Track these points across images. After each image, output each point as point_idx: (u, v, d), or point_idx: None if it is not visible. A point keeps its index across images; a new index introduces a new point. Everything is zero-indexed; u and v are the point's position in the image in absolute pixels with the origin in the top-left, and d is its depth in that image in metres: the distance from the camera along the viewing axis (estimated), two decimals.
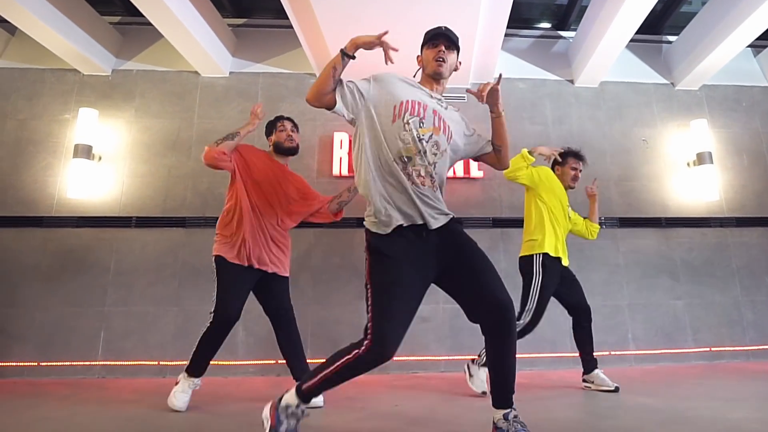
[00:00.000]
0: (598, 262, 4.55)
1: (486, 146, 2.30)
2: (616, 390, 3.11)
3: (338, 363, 1.91)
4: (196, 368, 2.91)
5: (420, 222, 1.99)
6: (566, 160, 3.61)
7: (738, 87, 5.23)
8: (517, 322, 3.19)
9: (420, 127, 2.06)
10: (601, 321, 4.26)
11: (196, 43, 4.33)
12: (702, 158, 4.76)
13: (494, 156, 2.31)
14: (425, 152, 2.04)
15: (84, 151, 4.36)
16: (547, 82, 5.03)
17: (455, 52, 2.24)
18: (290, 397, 2.00)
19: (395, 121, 2.07)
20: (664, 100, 5.10)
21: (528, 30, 5.33)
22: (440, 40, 2.21)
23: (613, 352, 4.36)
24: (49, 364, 4.05)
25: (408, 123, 2.05)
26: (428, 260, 1.99)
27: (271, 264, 3.00)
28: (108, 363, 4.08)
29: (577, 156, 3.62)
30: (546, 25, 5.44)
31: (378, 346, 1.83)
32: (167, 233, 4.40)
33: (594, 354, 3.38)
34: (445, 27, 2.24)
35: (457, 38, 2.24)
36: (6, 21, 4.27)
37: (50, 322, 4.15)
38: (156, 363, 4.10)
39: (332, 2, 3.77)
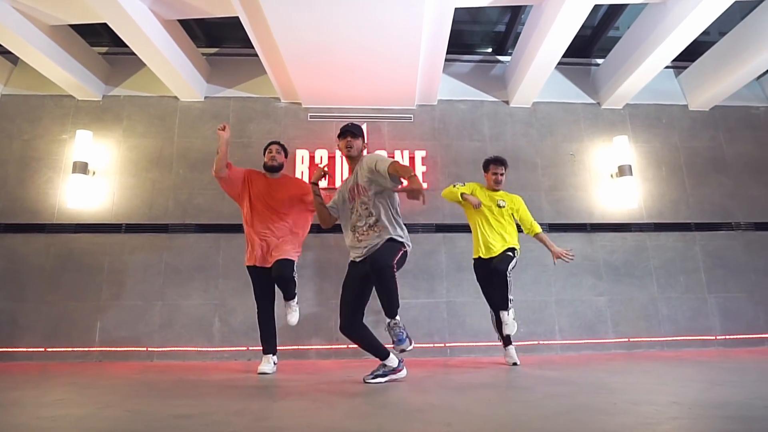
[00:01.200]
0: (529, 263, 6.45)
1: (384, 180, 3.96)
2: (515, 365, 4.90)
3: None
4: (266, 346, 4.85)
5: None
6: (488, 168, 5.41)
7: (659, 105, 7.27)
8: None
9: (352, 207, 4.12)
10: (531, 314, 6.26)
11: (175, 71, 6.24)
12: (623, 170, 6.72)
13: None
14: (360, 217, 4.04)
15: (81, 167, 6.34)
16: (485, 103, 7.08)
17: (359, 139, 4.20)
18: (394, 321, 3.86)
19: (345, 209, 4.23)
20: (591, 118, 7.14)
21: (469, 55, 7.36)
22: (347, 135, 4.16)
23: (541, 342, 6.27)
24: (53, 349, 5.98)
25: (350, 208, 4.15)
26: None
27: (271, 260, 4.75)
28: (104, 349, 6.01)
29: (496, 161, 5.39)
30: (486, 50, 7.44)
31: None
32: (152, 238, 6.39)
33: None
34: (350, 124, 4.23)
35: (359, 129, 4.23)
36: (9, 52, 6.17)
37: (54, 314, 6.10)
38: (145, 349, 6.03)
39: (293, 34, 5.51)
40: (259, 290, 4.87)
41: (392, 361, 4.01)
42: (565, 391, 3.26)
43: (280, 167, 5.10)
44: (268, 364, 4.70)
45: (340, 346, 6.00)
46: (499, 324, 5.07)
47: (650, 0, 5.70)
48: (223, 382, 3.98)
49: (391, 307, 3.80)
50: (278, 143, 5.18)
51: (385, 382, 3.85)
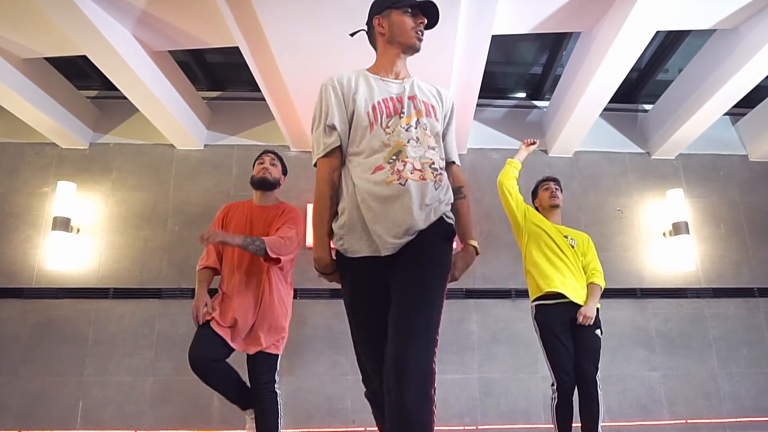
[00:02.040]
0: None
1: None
2: None
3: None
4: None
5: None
6: (537, 190, 5.24)
7: (715, 156, 7.54)
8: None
9: (401, 118, 2.70)
10: (574, 393, 6.29)
11: (171, 116, 6.45)
12: (678, 228, 6.94)
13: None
14: (417, 142, 2.65)
15: (62, 224, 6.54)
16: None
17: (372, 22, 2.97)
18: None
19: (373, 128, 2.69)
20: (639, 170, 7.41)
21: (502, 100, 7.70)
22: (426, 14, 2.86)
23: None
24: None
25: (388, 127, 2.68)
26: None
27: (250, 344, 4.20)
28: None
29: (546, 179, 5.20)
30: (520, 94, 7.80)
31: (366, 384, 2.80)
32: (144, 304, 6.58)
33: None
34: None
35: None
36: None
37: (30, 391, 6.25)
38: None
39: (304, 76, 5.66)
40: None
41: None
42: None
43: (275, 183, 4.40)
44: None
45: (357, 429, 6.12)
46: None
47: (720, 26, 5.76)
48: None
49: None
50: (274, 153, 4.55)
51: None
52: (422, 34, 2.85)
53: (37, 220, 6.74)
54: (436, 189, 2.60)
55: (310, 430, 6.15)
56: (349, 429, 6.15)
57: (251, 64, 5.68)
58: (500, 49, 6.82)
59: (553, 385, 4.61)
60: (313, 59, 5.39)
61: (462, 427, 6.24)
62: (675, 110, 6.89)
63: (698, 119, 6.62)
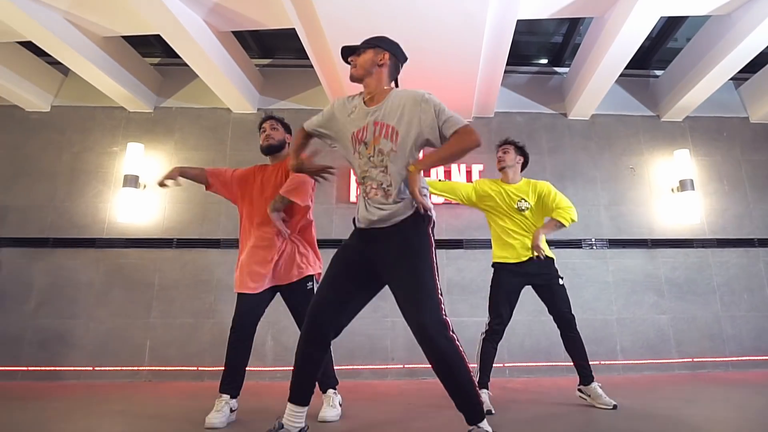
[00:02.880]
0: (589, 280, 6.31)
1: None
2: (615, 408, 3.82)
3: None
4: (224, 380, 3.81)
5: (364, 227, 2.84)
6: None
7: (719, 118, 7.20)
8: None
9: (366, 149, 2.82)
10: (591, 333, 6.07)
11: (227, 82, 6.20)
12: (684, 185, 6.64)
13: None
14: (374, 167, 2.77)
15: (131, 181, 6.28)
16: (542, 115, 7.02)
17: (367, 51, 2.97)
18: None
19: (354, 152, 2.89)
20: (650, 131, 7.07)
21: (526, 66, 7.35)
22: (345, 56, 3.05)
23: (602, 362, 6.10)
24: (102, 369, 5.86)
25: (359, 152, 2.85)
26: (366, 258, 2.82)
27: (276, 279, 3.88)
28: (153, 368, 5.89)
29: (499, 143, 4.59)
30: (542, 61, 7.44)
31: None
32: (204, 253, 6.29)
33: (588, 365, 4.14)
34: (344, 46, 3.06)
35: (371, 39, 3.04)
36: (60, 63, 6.05)
37: (103, 332, 6.00)
38: (195, 368, 5.91)
39: (349, 42, 5.32)
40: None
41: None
42: (641, 427, 3.18)
43: (280, 146, 4.08)
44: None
45: (396, 366, 5.85)
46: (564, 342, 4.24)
47: (714, 12, 5.62)
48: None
49: (467, 403, 2.58)
50: (272, 117, 4.19)
51: None
52: (354, 66, 2.98)
53: (107, 177, 6.46)
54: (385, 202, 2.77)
55: (354, 366, 5.91)
56: (388, 366, 5.89)
57: (303, 37, 5.44)
58: (525, 20, 6.38)
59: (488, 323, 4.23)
60: (359, 30, 4.90)
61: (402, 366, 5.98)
62: (683, 76, 6.59)
63: (704, 85, 6.34)
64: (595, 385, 4.04)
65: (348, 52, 3.02)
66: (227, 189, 4.17)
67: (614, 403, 3.84)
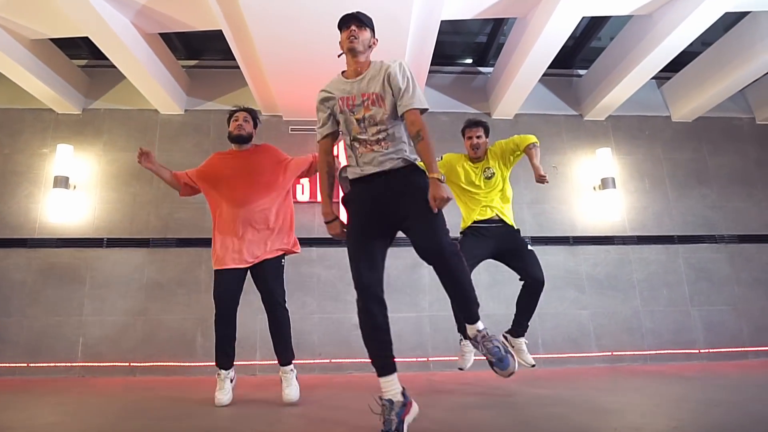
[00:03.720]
0: (511, 276, 6.35)
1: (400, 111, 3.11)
2: (533, 366, 4.40)
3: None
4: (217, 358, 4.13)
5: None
6: (464, 134, 4.82)
7: (642, 117, 7.36)
8: None
9: (353, 114, 3.09)
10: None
11: (155, 83, 6.27)
12: (606, 183, 6.81)
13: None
14: (365, 130, 3.06)
15: (62, 182, 6.40)
16: (466, 115, 6.96)
17: (367, 29, 3.19)
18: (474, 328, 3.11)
19: (341, 120, 3.16)
20: (573, 130, 7.23)
21: (450, 66, 7.43)
22: (351, 22, 3.17)
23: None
24: (36, 365, 6.03)
25: (346, 120, 3.12)
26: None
27: (250, 257, 4.12)
28: (86, 364, 6.07)
29: (470, 123, 4.78)
30: (467, 61, 7.51)
31: (356, 284, 2.94)
32: (134, 252, 6.46)
33: (528, 323, 4.57)
34: (356, 12, 3.22)
35: (368, 18, 3.24)
36: None
37: (37, 328, 6.17)
38: (127, 364, 6.08)
39: (275, 46, 5.52)
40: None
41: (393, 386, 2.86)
42: (562, 412, 3.35)
43: (249, 137, 4.40)
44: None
45: (323, 361, 6.09)
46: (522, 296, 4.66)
47: (636, 12, 5.70)
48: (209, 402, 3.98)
49: (469, 306, 3.08)
50: (247, 109, 4.50)
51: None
52: (355, 37, 3.14)
53: (38, 179, 6.58)
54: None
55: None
56: (316, 360, 6.11)
57: (230, 39, 5.56)
58: (449, 20, 6.47)
59: None
60: (285, 33, 5.28)
61: (415, 359, 6.20)
62: (605, 76, 6.71)
63: (626, 84, 6.48)
64: (522, 340, 4.45)
65: (351, 21, 3.17)
66: (193, 189, 4.64)
67: (534, 363, 4.33)
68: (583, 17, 5.64)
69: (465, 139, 4.80)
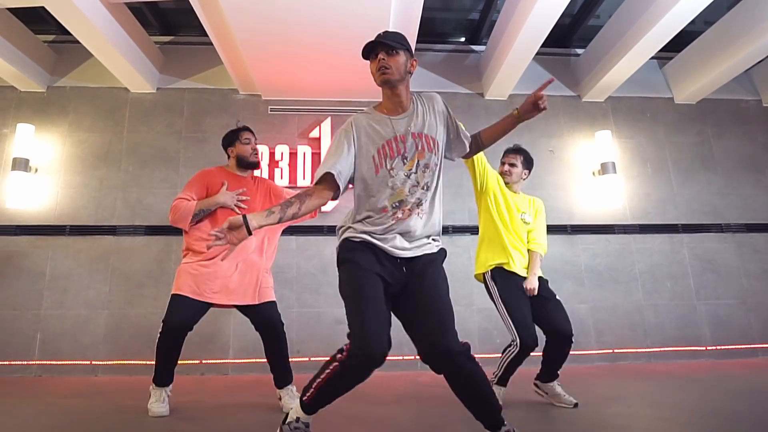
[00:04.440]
0: None
1: (465, 144, 2.80)
2: (576, 406, 3.72)
3: (327, 372, 2.46)
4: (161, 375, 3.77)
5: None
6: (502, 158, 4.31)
7: (643, 98, 7.02)
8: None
9: (405, 164, 2.59)
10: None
11: (124, 61, 5.87)
12: (606, 168, 6.43)
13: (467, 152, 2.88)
14: (416, 186, 2.58)
15: (21, 164, 5.95)
16: (458, 95, 6.80)
17: (401, 53, 2.60)
18: (295, 412, 2.60)
19: (378, 172, 2.59)
20: (570, 112, 6.87)
21: (441, 44, 7.08)
22: (378, 49, 2.57)
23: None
24: None
25: (392, 168, 2.58)
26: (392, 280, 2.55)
27: (255, 296, 3.85)
28: (44, 362, 5.60)
29: (507, 150, 4.34)
30: (459, 39, 7.17)
31: (358, 345, 2.37)
32: (99, 241, 6.00)
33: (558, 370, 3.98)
34: (383, 32, 2.62)
35: (401, 38, 2.65)
36: None
37: None
38: (89, 362, 5.63)
39: (248, 19, 5.15)
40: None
41: None
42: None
43: (260, 166, 4.22)
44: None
45: (302, 359, 5.62)
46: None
47: None
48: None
49: (493, 411, 2.52)
50: (251, 130, 4.11)
51: None
52: (387, 67, 2.57)
53: None
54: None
55: (259, 360, 5.65)
56: (294, 359, 5.67)
57: (199, 12, 5.17)
58: None
59: (514, 341, 3.80)
60: (259, 7, 4.90)
61: (401, 357, 5.71)
62: (604, 55, 6.40)
63: (626, 63, 6.17)
64: (555, 383, 3.93)
65: (378, 47, 2.59)
66: None
67: (576, 401, 3.73)
68: None
69: (500, 165, 4.30)
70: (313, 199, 2.51)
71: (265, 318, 3.87)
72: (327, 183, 2.54)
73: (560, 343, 3.95)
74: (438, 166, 2.64)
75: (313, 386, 2.50)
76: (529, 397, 3.98)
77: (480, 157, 3.88)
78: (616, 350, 6.08)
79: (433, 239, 2.66)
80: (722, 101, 7.12)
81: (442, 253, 2.69)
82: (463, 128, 2.77)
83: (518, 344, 3.74)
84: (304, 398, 2.54)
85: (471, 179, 4.05)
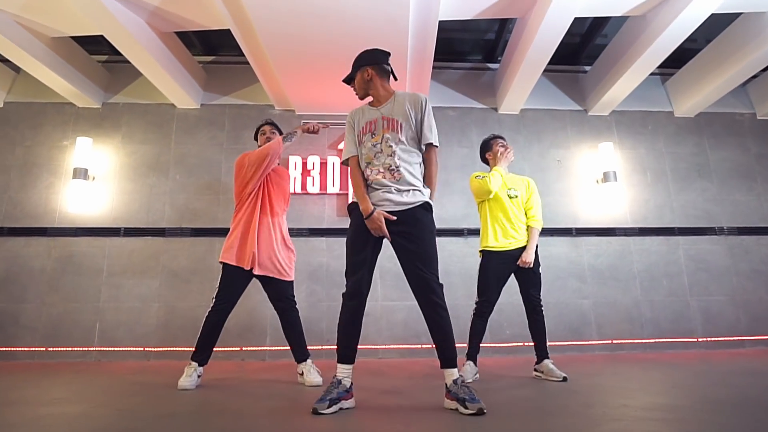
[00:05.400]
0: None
1: (418, 142, 3.43)
2: (564, 380, 4.15)
3: (340, 313, 3.26)
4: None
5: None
6: (488, 145, 4.88)
7: (645, 112, 7.54)
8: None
9: (372, 137, 3.37)
10: (516, 317, 6.42)
11: (170, 79, 6.49)
12: (608, 176, 6.97)
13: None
14: (380, 152, 3.32)
15: (81, 173, 6.63)
16: (474, 110, 7.36)
17: (356, 75, 3.52)
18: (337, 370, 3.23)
19: (361, 142, 3.44)
20: (577, 125, 7.40)
21: (459, 62, 7.62)
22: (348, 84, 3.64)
23: (526, 343, 6.35)
24: (54, 349, 6.25)
25: (363, 140, 3.41)
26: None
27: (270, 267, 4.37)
28: (102, 349, 6.28)
29: (497, 136, 4.89)
30: (476, 57, 7.69)
31: (348, 279, 3.24)
32: (150, 241, 6.66)
33: (545, 344, 4.58)
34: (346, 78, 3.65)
35: (355, 61, 3.57)
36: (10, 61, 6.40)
37: (55, 315, 6.37)
38: (142, 349, 6.29)
39: (281, 45, 5.75)
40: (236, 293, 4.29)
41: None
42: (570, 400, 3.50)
43: None
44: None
45: (331, 347, 6.24)
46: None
47: (629, 13, 5.91)
48: (211, 383, 4.21)
49: (450, 350, 3.15)
50: (272, 123, 4.68)
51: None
52: (355, 90, 3.61)
53: (58, 170, 6.81)
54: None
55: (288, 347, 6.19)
56: (324, 347, 6.26)
57: (239, 38, 5.80)
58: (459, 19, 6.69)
59: (476, 303, 4.62)
60: (289, 32, 5.52)
61: (420, 346, 6.34)
62: (608, 71, 6.87)
63: (627, 79, 6.65)
64: (547, 361, 4.43)
65: (348, 81, 3.61)
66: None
67: (564, 375, 4.20)
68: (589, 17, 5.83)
69: (494, 149, 4.85)
70: (358, 172, 3.41)
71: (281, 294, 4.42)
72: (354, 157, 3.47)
73: (530, 310, 4.70)
74: (401, 140, 3.32)
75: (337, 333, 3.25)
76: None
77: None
78: (614, 341, 6.62)
79: (412, 191, 3.30)
80: (718, 114, 7.61)
81: (426, 205, 3.32)
82: (430, 134, 3.38)
83: (476, 303, 4.63)
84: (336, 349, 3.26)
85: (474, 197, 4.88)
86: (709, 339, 6.68)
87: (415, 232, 3.19)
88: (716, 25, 6.36)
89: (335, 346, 3.26)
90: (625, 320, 6.72)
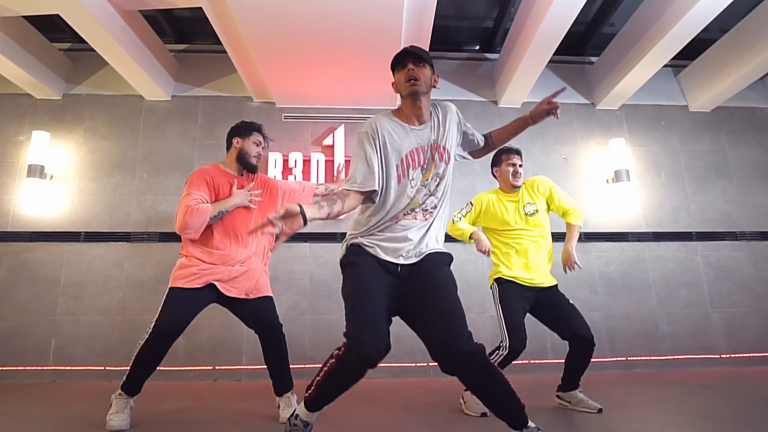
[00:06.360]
0: None
1: (477, 143, 2.99)
2: (600, 411, 3.71)
3: (324, 369, 2.54)
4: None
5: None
6: (500, 159, 4.20)
7: (657, 106, 6.97)
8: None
9: (423, 174, 2.67)
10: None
11: (138, 69, 5.88)
12: (619, 175, 6.39)
13: (479, 150, 3.04)
14: (429, 193, 2.68)
15: (37, 171, 5.96)
16: (472, 103, 6.79)
17: (427, 66, 2.70)
18: (298, 409, 2.70)
19: (401, 181, 2.65)
20: (584, 120, 6.83)
21: (455, 52, 7.07)
22: (407, 59, 2.67)
23: (531, 361, 5.84)
24: (4, 368, 5.56)
25: (413, 179, 2.66)
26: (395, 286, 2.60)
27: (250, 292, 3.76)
28: (58, 368, 5.60)
29: (509, 150, 4.16)
30: (473, 47, 7.15)
31: (352, 344, 2.40)
32: (113, 247, 6.00)
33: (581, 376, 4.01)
34: (411, 46, 2.71)
35: (427, 53, 2.75)
36: None
37: (5, 329, 5.70)
38: (102, 368, 5.62)
39: (261, 27, 5.15)
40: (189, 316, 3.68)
41: None
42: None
43: (256, 170, 3.91)
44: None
45: (315, 365, 5.60)
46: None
47: None
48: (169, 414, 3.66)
49: (515, 409, 2.50)
50: (264, 134, 3.92)
51: None
52: (416, 78, 2.65)
53: (12, 168, 6.16)
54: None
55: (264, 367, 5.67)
56: (306, 366, 5.67)
57: (213, 21, 5.20)
58: (453, 3, 6.25)
59: (502, 342, 3.88)
60: (269, 11, 4.87)
61: (414, 364, 5.73)
62: (618, 62, 6.37)
63: (639, 70, 6.13)
64: (576, 392, 3.95)
65: (407, 58, 2.69)
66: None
67: (599, 406, 3.75)
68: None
69: (502, 167, 4.21)
70: (350, 201, 2.57)
71: (260, 314, 3.71)
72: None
73: (583, 348, 3.94)
74: (447, 174, 2.72)
75: (314, 383, 2.58)
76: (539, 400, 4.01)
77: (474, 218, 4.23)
78: (629, 358, 6.02)
79: (437, 241, 2.71)
80: (737, 109, 7.07)
81: (447, 257, 2.71)
82: (476, 133, 2.99)
83: (507, 347, 3.82)
84: (306, 395, 2.62)
85: None
86: (732, 355, 6.08)
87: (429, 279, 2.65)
88: (733, 14, 5.85)
89: (320, 364, 2.62)
90: (641, 335, 6.12)
